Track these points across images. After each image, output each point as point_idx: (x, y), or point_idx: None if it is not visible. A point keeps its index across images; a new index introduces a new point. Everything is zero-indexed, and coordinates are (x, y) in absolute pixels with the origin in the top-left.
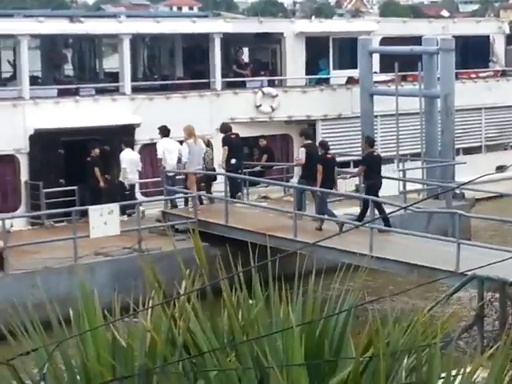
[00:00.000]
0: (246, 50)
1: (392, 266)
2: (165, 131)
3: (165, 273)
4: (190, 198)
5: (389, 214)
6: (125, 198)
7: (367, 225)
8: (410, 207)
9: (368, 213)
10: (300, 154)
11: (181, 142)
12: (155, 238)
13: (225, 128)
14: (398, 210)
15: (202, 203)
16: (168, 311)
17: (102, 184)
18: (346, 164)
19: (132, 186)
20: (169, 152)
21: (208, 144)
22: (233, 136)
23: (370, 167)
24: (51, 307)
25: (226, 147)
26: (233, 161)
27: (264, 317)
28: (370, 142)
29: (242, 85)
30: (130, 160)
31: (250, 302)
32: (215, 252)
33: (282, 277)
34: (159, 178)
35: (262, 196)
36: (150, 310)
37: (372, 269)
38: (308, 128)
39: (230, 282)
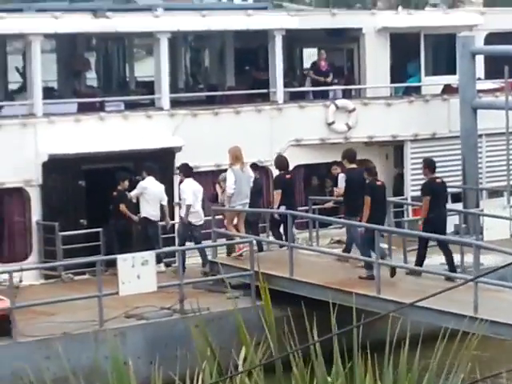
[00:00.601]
0: (313, 52)
1: (506, 331)
2: (188, 171)
3: (215, 340)
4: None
5: (503, 266)
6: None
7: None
8: None
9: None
10: (339, 182)
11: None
12: (200, 296)
13: (280, 163)
14: None
15: (261, 250)
16: None
17: (135, 219)
18: None
19: (199, 227)
20: (195, 197)
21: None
22: (288, 176)
23: (433, 197)
24: (73, 383)
25: (279, 191)
26: (282, 208)
27: None
28: (431, 166)
29: (325, 96)
30: (193, 192)
31: (329, 379)
32: (279, 313)
33: (366, 345)
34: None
35: (336, 240)
36: None
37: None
38: (352, 149)
39: (305, 351)
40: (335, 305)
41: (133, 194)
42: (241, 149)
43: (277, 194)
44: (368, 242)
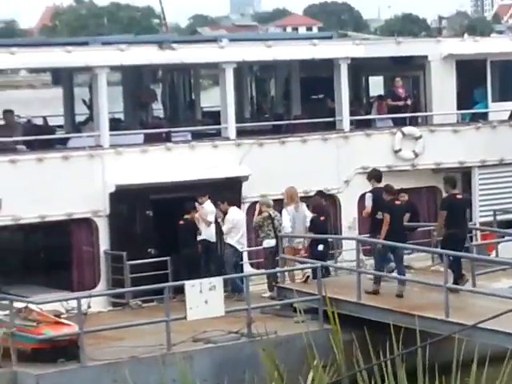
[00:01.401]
0: (380, 79)
1: None
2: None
3: (283, 363)
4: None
5: None
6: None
7: None
8: None
9: None
10: (366, 201)
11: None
12: (267, 320)
13: (316, 202)
14: None
15: (328, 274)
16: None
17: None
18: (511, 223)
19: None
20: (238, 226)
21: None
22: (322, 218)
23: (452, 213)
24: None
25: (312, 232)
26: (320, 247)
27: None
28: (451, 182)
29: (402, 123)
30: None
31: None
32: (347, 336)
33: (434, 367)
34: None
35: (404, 266)
36: None
37: None
38: (377, 170)
39: (371, 374)
40: (401, 328)
41: (225, 229)
42: (296, 190)
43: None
44: (382, 257)
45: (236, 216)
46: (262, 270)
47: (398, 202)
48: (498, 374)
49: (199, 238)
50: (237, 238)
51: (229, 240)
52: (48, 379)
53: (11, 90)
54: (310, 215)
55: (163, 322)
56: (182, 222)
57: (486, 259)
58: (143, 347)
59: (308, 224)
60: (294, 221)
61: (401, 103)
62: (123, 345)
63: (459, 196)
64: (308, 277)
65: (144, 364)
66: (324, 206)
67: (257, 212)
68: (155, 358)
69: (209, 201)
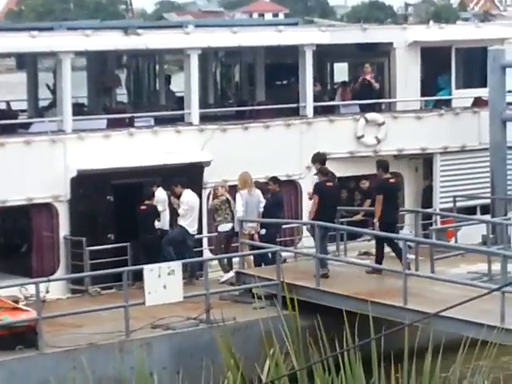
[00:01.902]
0: (344, 66)
1: None
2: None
3: (241, 349)
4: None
5: None
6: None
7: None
8: None
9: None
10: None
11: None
12: (226, 306)
13: (258, 186)
14: None
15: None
16: None
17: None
18: (471, 209)
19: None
20: (192, 208)
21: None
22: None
23: (386, 197)
24: None
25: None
26: (262, 231)
27: None
28: (383, 166)
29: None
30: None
31: None
32: (304, 323)
33: (390, 355)
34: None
35: (363, 252)
36: None
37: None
38: (321, 153)
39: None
40: (356, 314)
41: (181, 211)
42: (251, 175)
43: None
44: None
45: (191, 198)
46: (222, 255)
47: (329, 184)
48: (452, 361)
49: (157, 225)
50: (189, 221)
51: (181, 222)
52: (6, 367)
53: None
54: (263, 200)
55: (122, 307)
56: (143, 207)
57: (445, 245)
58: (102, 334)
59: (261, 209)
60: (248, 205)
61: (376, 86)
62: (82, 332)
63: (392, 180)
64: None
65: (102, 351)
66: (268, 189)
67: (211, 196)
68: (113, 345)
69: (160, 189)
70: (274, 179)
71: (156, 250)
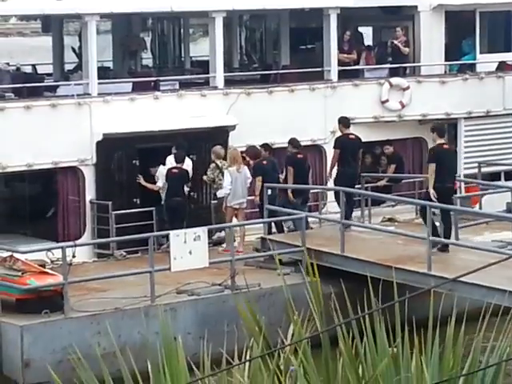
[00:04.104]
0: (368, 30)
1: None
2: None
3: (266, 315)
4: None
5: None
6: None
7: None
8: None
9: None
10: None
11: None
12: (251, 272)
13: (253, 152)
14: None
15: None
16: (271, 365)
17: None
18: (495, 176)
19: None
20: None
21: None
22: (264, 162)
23: (345, 152)
24: (124, 359)
25: (260, 177)
26: (269, 191)
27: (391, 373)
28: (345, 122)
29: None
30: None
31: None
32: (329, 289)
33: (412, 322)
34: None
35: (388, 218)
36: (247, 363)
37: None
38: (442, 124)
39: (349, 327)
40: (380, 280)
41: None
42: (239, 152)
43: (258, 181)
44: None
45: None
46: (245, 222)
47: (300, 156)
48: (475, 328)
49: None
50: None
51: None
52: (32, 330)
53: (1, 37)
54: (250, 177)
55: (147, 272)
56: (173, 170)
57: (470, 211)
58: (127, 299)
59: (248, 185)
60: (236, 182)
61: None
62: (107, 296)
63: (352, 136)
64: None
65: (127, 316)
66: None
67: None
68: (138, 310)
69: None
70: (266, 146)
71: (182, 214)
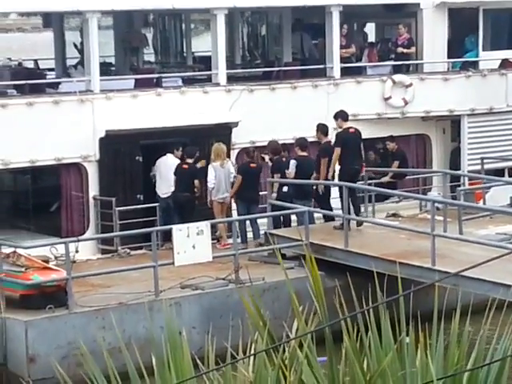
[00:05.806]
0: (371, 26)
1: None
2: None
3: (270, 309)
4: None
5: None
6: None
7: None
8: None
9: None
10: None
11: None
12: (255, 267)
13: (273, 146)
14: None
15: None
16: (275, 359)
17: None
18: (499, 172)
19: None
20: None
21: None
22: (284, 159)
23: (347, 148)
24: (128, 353)
25: (279, 174)
26: (285, 188)
27: (396, 367)
28: (343, 116)
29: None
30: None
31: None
32: (333, 283)
33: (417, 316)
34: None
35: (391, 213)
36: (252, 357)
37: None
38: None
39: (353, 322)
40: (384, 275)
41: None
42: (224, 147)
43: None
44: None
45: None
46: (249, 215)
47: (253, 165)
48: (480, 322)
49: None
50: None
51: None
52: (37, 326)
53: (1, 33)
54: (234, 172)
55: (151, 267)
56: (184, 166)
57: (473, 206)
58: (131, 294)
59: (232, 179)
60: (220, 177)
61: (412, 51)
62: (111, 292)
63: (352, 130)
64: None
65: (132, 311)
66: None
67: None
68: (143, 305)
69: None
70: (283, 145)
71: (190, 210)
